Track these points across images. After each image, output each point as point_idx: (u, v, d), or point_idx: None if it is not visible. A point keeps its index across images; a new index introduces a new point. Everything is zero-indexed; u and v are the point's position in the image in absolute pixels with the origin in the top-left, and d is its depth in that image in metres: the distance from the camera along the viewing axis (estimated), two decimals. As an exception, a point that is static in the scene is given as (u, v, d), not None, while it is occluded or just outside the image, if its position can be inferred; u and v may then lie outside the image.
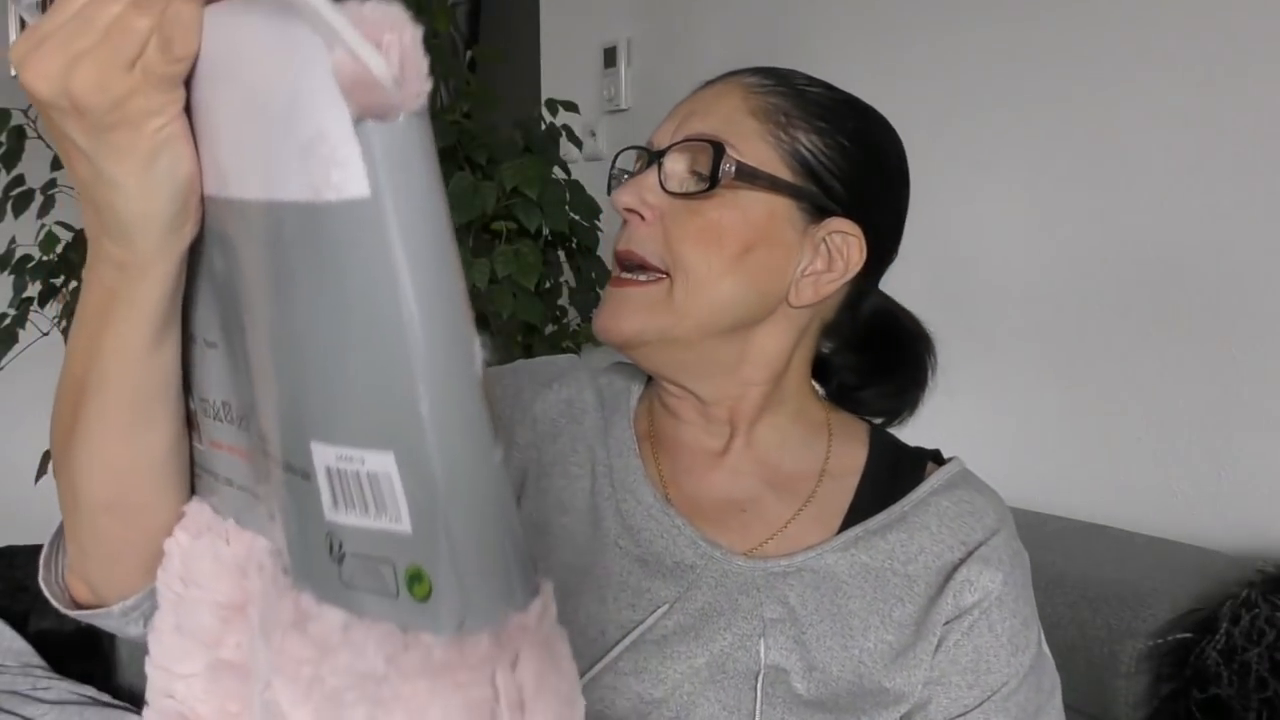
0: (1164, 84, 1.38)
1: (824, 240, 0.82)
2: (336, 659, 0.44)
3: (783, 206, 0.80)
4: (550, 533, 0.83)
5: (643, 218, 0.81)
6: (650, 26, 2.20)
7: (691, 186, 0.79)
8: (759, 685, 0.77)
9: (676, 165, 0.80)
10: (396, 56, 0.37)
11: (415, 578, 0.42)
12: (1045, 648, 0.86)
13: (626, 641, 0.78)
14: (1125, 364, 1.43)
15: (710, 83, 0.85)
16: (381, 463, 0.41)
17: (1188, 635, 1.08)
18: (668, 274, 0.79)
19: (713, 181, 0.78)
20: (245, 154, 0.44)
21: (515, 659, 0.43)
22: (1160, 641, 1.09)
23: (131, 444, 0.55)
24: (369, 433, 0.42)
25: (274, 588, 0.49)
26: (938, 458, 0.90)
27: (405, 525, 0.42)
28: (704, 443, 0.87)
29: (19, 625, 1.71)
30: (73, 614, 0.64)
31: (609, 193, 0.85)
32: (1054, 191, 1.50)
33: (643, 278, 0.81)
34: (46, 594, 0.65)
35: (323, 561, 0.46)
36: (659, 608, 0.79)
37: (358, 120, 0.38)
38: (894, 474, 0.87)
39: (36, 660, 1.67)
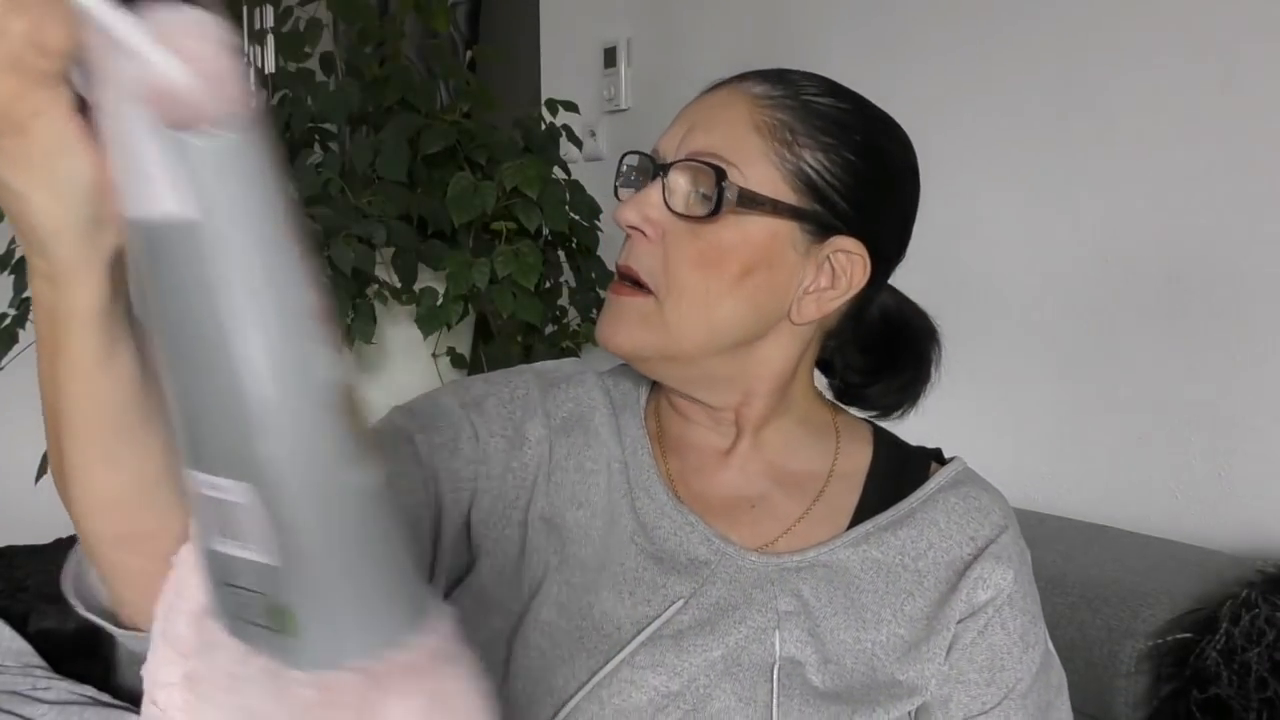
0: (1164, 83, 1.38)
1: (828, 258, 0.81)
2: (246, 691, 0.43)
3: (785, 228, 0.80)
4: (565, 527, 0.84)
5: (645, 234, 0.81)
6: (650, 26, 2.20)
7: (695, 207, 0.79)
8: (775, 677, 0.78)
9: (680, 180, 0.79)
10: (206, 66, 0.35)
11: (283, 612, 0.41)
12: (1051, 644, 0.87)
13: (643, 636, 0.79)
14: (1125, 364, 1.43)
15: (717, 86, 0.84)
16: (242, 493, 0.40)
17: (1188, 635, 1.08)
18: (655, 294, 0.80)
19: (715, 208, 0.78)
20: (117, 163, 0.42)
21: (396, 697, 0.40)
22: (1160, 641, 1.09)
23: (118, 470, 0.55)
24: (226, 463, 0.40)
25: (202, 609, 0.48)
26: (939, 457, 0.91)
27: (273, 558, 0.40)
28: (712, 442, 0.88)
29: (19, 625, 1.71)
30: (121, 633, 0.63)
31: (615, 194, 0.85)
32: (1055, 191, 1.50)
33: (626, 286, 0.81)
34: (98, 620, 0.64)
35: (219, 589, 0.44)
36: (675, 603, 0.80)
37: (172, 133, 0.36)
38: (899, 473, 0.88)
39: (36, 660, 1.67)
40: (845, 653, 0.80)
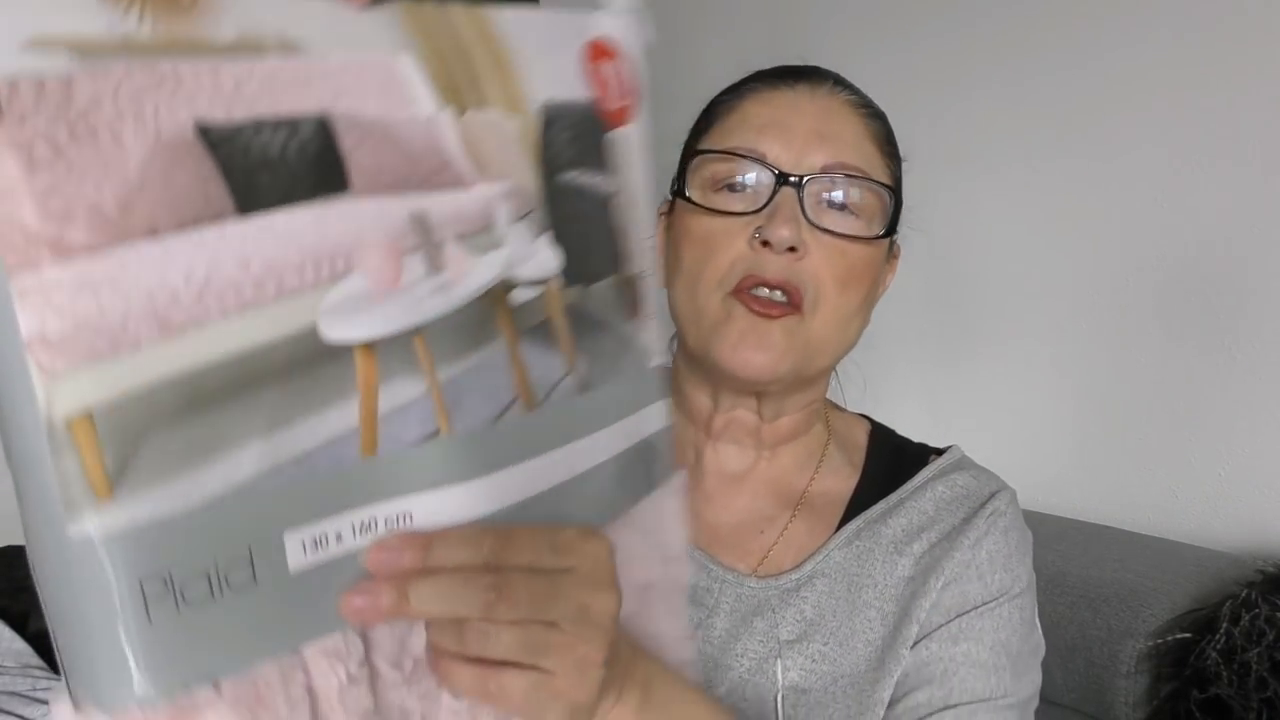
0: (1164, 85, 1.38)
1: (890, 259, 0.83)
2: None
3: (886, 241, 0.79)
4: None
5: (795, 252, 0.75)
6: (650, 26, 2.20)
7: (861, 225, 0.76)
8: (779, 707, 0.76)
9: (817, 193, 0.75)
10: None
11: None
12: (1037, 621, 0.84)
13: None
14: (1126, 364, 1.43)
15: (786, 82, 0.79)
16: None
17: (1188, 635, 1.07)
18: (800, 309, 0.75)
19: (891, 227, 0.76)
20: None
21: None
22: (1160, 641, 1.09)
23: None
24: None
25: None
26: (939, 452, 0.89)
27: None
28: (729, 466, 0.85)
29: (19, 625, 1.71)
30: None
31: (678, 195, 0.79)
32: (1055, 192, 1.50)
33: (778, 305, 0.75)
34: None
35: None
36: None
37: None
38: (895, 470, 0.86)
39: (36, 661, 1.67)
40: (860, 659, 0.78)
